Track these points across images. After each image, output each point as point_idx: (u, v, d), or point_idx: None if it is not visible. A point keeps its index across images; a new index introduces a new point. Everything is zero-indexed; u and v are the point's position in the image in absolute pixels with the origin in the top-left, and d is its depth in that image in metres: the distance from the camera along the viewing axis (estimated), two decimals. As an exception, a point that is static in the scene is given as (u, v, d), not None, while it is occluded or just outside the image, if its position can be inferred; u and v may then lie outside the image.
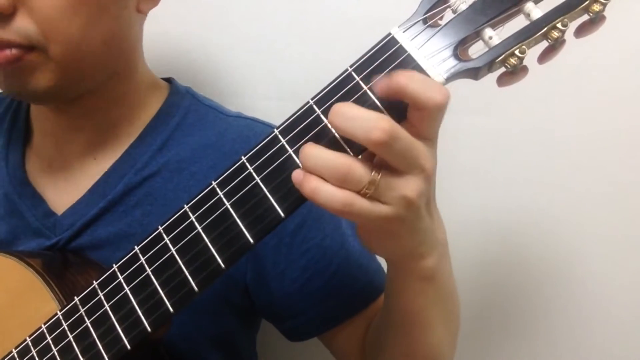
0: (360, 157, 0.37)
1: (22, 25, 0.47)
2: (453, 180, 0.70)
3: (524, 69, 0.38)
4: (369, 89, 0.37)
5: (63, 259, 0.56)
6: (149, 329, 0.42)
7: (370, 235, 0.41)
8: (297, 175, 0.37)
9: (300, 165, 0.38)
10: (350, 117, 0.35)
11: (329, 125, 0.38)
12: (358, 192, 0.36)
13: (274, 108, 0.78)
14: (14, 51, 0.47)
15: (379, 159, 0.36)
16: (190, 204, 0.42)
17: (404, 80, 0.34)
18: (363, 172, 0.35)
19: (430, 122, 0.36)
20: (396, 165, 0.35)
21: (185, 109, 0.61)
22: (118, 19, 0.52)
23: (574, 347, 0.73)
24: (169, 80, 0.65)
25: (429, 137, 0.37)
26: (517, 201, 0.72)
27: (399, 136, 0.34)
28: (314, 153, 0.36)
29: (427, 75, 0.37)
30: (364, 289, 0.58)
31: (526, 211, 0.72)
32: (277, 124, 0.61)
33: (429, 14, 0.38)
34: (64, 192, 0.59)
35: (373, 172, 0.35)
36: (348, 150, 0.37)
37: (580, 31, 0.38)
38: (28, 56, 0.48)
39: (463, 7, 0.37)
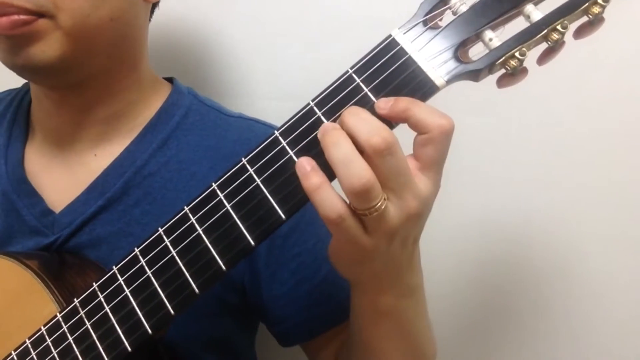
0: None
1: None
2: (453, 180, 0.70)
3: (524, 71, 0.38)
4: (369, 90, 0.37)
5: (61, 260, 0.56)
6: (149, 331, 0.42)
7: (339, 251, 0.41)
8: (303, 164, 0.37)
9: None
10: (362, 118, 0.36)
11: (330, 123, 0.38)
12: (357, 212, 0.36)
13: (274, 108, 0.78)
14: (22, 16, 0.47)
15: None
16: (190, 205, 0.42)
17: (412, 106, 0.36)
18: (379, 193, 0.35)
19: (441, 147, 0.36)
20: (382, 181, 0.35)
21: (186, 108, 0.61)
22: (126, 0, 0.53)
23: (574, 346, 0.73)
24: (170, 80, 0.65)
25: (430, 167, 0.37)
26: (517, 201, 0.72)
27: (396, 153, 0.35)
28: (346, 147, 0.35)
29: (428, 77, 0.37)
30: (349, 299, 0.58)
31: (526, 211, 0.72)
32: (278, 124, 0.62)
33: (429, 15, 0.38)
34: (63, 189, 0.59)
35: (383, 199, 0.35)
36: None
37: (580, 33, 0.38)
38: (36, 22, 0.48)
39: (463, 8, 0.37)
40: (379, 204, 0.35)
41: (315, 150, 0.38)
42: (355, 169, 0.34)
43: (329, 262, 0.56)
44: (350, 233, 0.36)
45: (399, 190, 0.36)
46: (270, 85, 0.79)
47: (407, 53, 0.37)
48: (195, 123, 0.61)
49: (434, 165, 0.37)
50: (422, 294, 0.46)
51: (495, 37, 0.37)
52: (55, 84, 0.56)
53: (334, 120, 0.38)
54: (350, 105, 0.38)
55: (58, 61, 0.50)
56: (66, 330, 0.45)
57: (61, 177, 0.60)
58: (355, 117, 0.36)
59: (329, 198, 0.35)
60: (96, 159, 0.59)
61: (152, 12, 0.62)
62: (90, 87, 0.56)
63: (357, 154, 0.35)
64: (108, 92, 0.58)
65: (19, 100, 0.66)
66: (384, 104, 0.37)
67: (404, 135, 0.37)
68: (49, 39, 0.49)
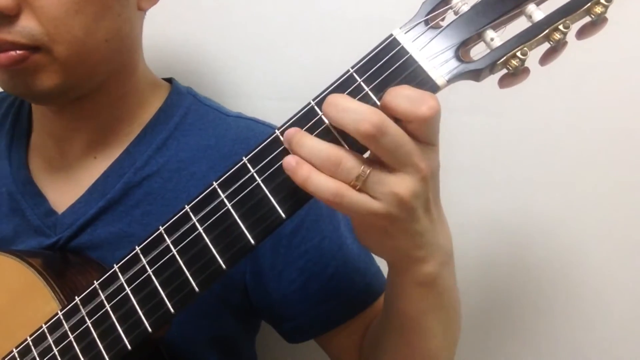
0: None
1: (27, 26, 0.47)
2: (452, 180, 0.70)
3: (526, 71, 0.38)
4: (370, 90, 0.37)
5: (63, 258, 0.56)
6: (149, 330, 0.42)
7: (365, 232, 0.42)
8: (289, 161, 0.37)
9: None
10: (342, 108, 0.36)
11: (331, 127, 0.38)
12: (348, 184, 0.36)
13: (274, 108, 0.78)
14: (19, 52, 0.47)
15: (372, 154, 0.37)
16: (191, 204, 0.42)
17: (389, 98, 0.35)
18: (354, 164, 0.36)
19: (425, 131, 0.36)
20: (386, 160, 0.36)
21: (186, 108, 0.61)
22: (120, 17, 0.52)
23: (575, 346, 0.73)
24: (169, 80, 0.65)
25: (426, 142, 0.37)
26: (517, 201, 0.72)
27: (389, 131, 0.35)
28: (307, 142, 0.37)
29: (429, 76, 0.37)
30: (361, 292, 0.58)
31: (526, 211, 0.72)
32: (277, 124, 0.62)
33: (430, 15, 0.38)
34: (64, 191, 0.59)
35: (363, 166, 0.36)
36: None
37: (582, 33, 0.38)
38: (33, 57, 0.48)
39: (465, 8, 0.37)
40: (361, 170, 0.36)
41: None
42: (323, 153, 0.36)
43: (337, 257, 0.57)
44: (355, 204, 0.36)
45: (405, 160, 0.36)
46: (270, 85, 0.79)
47: (408, 52, 0.37)
48: (194, 123, 0.61)
49: (430, 138, 0.37)
50: (453, 260, 0.46)
51: (497, 37, 0.37)
52: (56, 103, 0.56)
53: None
54: (330, 94, 0.37)
55: (56, 89, 0.51)
56: (67, 328, 0.46)
57: (63, 179, 0.60)
58: (334, 107, 0.36)
59: (320, 182, 0.36)
60: (96, 162, 0.59)
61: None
62: (89, 100, 0.56)
63: (318, 141, 0.37)
64: (106, 102, 0.58)
65: (21, 100, 0.66)
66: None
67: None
68: (47, 71, 0.49)
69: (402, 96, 0.35)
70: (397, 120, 0.36)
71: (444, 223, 0.43)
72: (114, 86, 0.57)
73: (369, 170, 0.36)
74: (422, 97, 0.35)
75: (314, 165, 0.37)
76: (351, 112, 0.35)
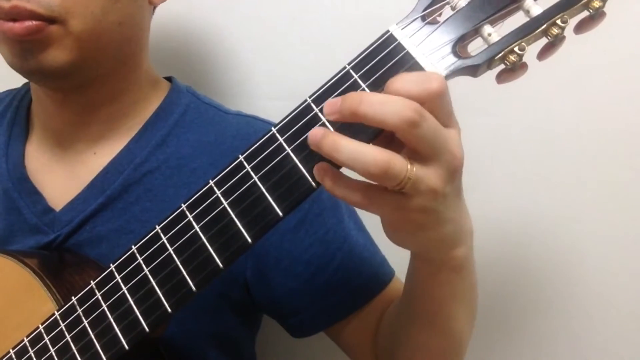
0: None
1: None
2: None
3: (524, 66, 0.37)
4: (367, 86, 0.37)
5: (60, 258, 0.56)
6: (147, 329, 0.42)
7: (397, 229, 0.39)
8: (319, 167, 0.36)
9: (297, 163, 0.38)
10: (377, 102, 0.33)
11: (327, 123, 0.37)
12: (393, 187, 0.34)
13: (274, 108, 0.78)
14: (35, 22, 0.48)
15: (407, 151, 0.35)
16: (187, 203, 0.41)
17: (398, 86, 0.34)
18: (402, 164, 0.33)
19: (441, 109, 0.35)
20: (424, 150, 0.34)
21: (185, 106, 0.62)
22: (135, 2, 0.53)
23: (575, 346, 0.73)
24: (169, 79, 0.66)
25: (446, 122, 0.36)
26: (518, 200, 0.72)
27: (427, 117, 0.33)
28: (347, 145, 0.34)
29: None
30: (368, 282, 0.58)
31: (526, 210, 0.72)
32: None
33: (427, 10, 0.37)
34: (63, 188, 0.59)
35: (409, 165, 0.34)
36: None
37: (580, 28, 0.37)
38: (48, 29, 0.48)
39: (462, 3, 0.37)
40: (408, 171, 0.34)
41: None
42: (368, 157, 0.33)
43: (342, 249, 0.57)
44: (390, 205, 0.35)
45: (444, 146, 0.35)
46: (270, 85, 0.79)
47: (405, 48, 0.37)
48: (194, 120, 0.61)
49: (449, 115, 0.36)
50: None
51: (494, 32, 0.36)
52: (61, 86, 0.56)
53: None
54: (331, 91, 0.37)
55: (67, 66, 0.51)
56: (64, 328, 0.45)
57: (61, 176, 0.60)
58: (370, 104, 0.33)
59: (349, 187, 0.35)
60: (96, 158, 0.59)
61: (153, 11, 0.62)
62: (94, 88, 0.57)
63: (360, 144, 0.34)
64: (110, 93, 0.58)
65: (19, 99, 0.66)
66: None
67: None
68: (60, 45, 0.50)
69: (407, 81, 0.34)
70: None
71: (465, 205, 0.42)
72: (118, 78, 0.57)
73: (414, 169, 0.34)
74: (427, 76, 0.34)
75: (357, 171, 0.34)
76: (389, 104, 0.33)
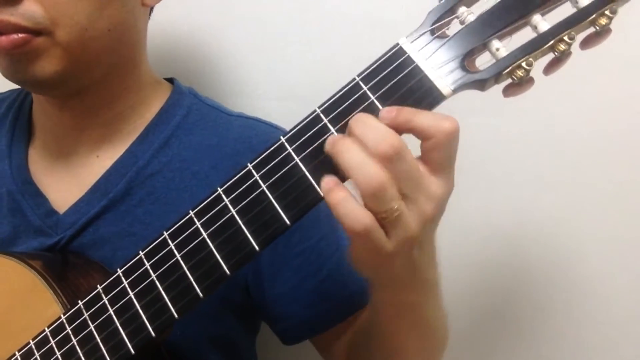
0: None
1: (30, 9, 0.47)
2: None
3: (530, 81, 0.38)
4: (376, 98, 0.38)
5: (64, 260, 0.56)
6: (153, 334, 0.42)
7: (364, 263, 0.41)
8: (328, 182, 0.36)
9: (305, 172, 0.38)
10: (368, 125, 0.36)
11: (336, 134, 0.38)
12: (377, 215, 0.35)
13: (275, 108, 0.78)
14: (21, 35, 0.48)
15: None
16: (196, 209, 0.42)
17: (411, 116, 0.36)
18: (395, 194, 0.35)
19: (443, 150, 0.36)
20: (398, 188, 0.35)
21: (187, 108, 0.61)
22: (124, 8, 0.53)
23: (576, 346, 0.73)
24: (171, 80, 0.65)
25: (440, 169, 0.37)
26: (518, 201, 0.72)
27: (406, 159, 0.35)
28: (357, 152, 0.35)
29: (435, 86, 0.37)
30: (353, 295, 0.58)
31: (527, 211, 0.72)
32: (278, 124, 0.62)
33: (436, 25, 0.38)
34: (66, 190, 0.59)
35: (399, 199, 0.35)
36: None
37: (586, 43, 0.38)
38: (35, 41, 0.48)
39: (471, 18, 0.37)
40: (398, 204, 0.35)
41: (321, 157, 0.38)
42: (370, 170, 0.35)
43: (332, 259, 0.57)
44: (376, 243, 0.36)
45: (413, 195, 0.36)
46: (270, 85, 0.79)
47: (414, 62, 0.37)
48: (196, 122, 0.61)
49: (444, 167, 0.37)
50: (439, 287, 0.46)
51: (502, 47, 0.37)
52: (57, 94, 0.56)
53: (341, 128, 0.38)
54: (357, 113, 0.38)
55: (57, 75, 0.51)
56: (70, 332, 0.46)
57: (64, 178, 0.60)
58: (362, 124, 0.36)
59: (355, 210, 0.35)
60: (98, 160, 0.59)
61: (151, 11, 0.62)
62: (91, 93, 0.56)
63: (368, 156, 0.35)
64: (109, 97, 0.58)
65: (21, 100, 0.66)
66: (387, 114, 0.37)
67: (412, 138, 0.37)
68: (48, 56, 0.49)
69: (425, 113, 0.36)
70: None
71: (434, 256, 0.43)
72: (115, 81, 0.57)
73: (402, 207, 0.35)
74: (443, 116, 0.36)
75: (355, 179, 0.35)
76: (376, 130, 0.35)
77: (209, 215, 0.41)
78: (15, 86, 0.69)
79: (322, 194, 0.38)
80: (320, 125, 0.39)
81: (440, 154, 0.36)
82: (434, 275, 0.44)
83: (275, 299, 0.58)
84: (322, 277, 0.57)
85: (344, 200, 0.35)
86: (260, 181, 0.40)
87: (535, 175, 0.71)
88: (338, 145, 0.36)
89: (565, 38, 0.36)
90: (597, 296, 0.71)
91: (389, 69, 0.38)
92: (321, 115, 0.39)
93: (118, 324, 0.43)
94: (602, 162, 0.68)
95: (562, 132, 0.69)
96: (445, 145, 0.36)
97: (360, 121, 0.36)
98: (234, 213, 0.40)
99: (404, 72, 0.37)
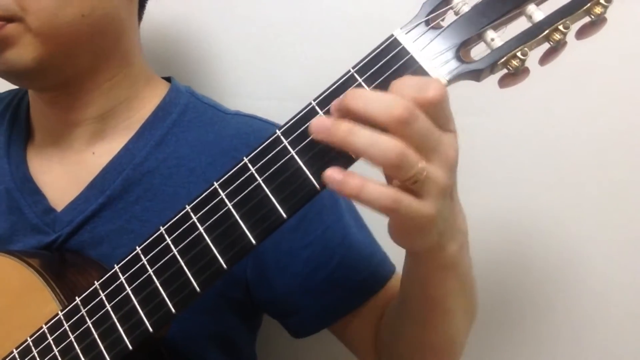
0: None
1: None
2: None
3: (526, 71, 0.38)
4: (372, 90, 0.37)
5: (62, 258, 0.56)
6: (150, 330, 0.42)
7: (406, 232, 0.39)
8: (333, 175, 0.34)
9: (301, 165, 0.38)
10: (370, 98, 0.34)
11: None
12: (404, 183, 0.34)
13: (274, 108, 0.78)
14: None
15: None
16: (192, 204, 0.42)
17: (395, 89, 0.35)
18: (415, 156, 0.33)
19: (437, 115, 0.35)
20: (419, 148, 0.34)
21: (184, 106, 0.62)
22: None
23: (575, 346, 0.73)
24: (168, 79, 0.66)
25: (443, 127, 0.36)
26: (518, 201, 0.72)
27: (420, 117, 0.34)
28: (365, 132, 0.33)
29: (430, 76, 0.37)
30: (367, 279, 0.58)
31: (526, 211, 0.72)
32: (277, 123, 0.62)
33: (431, 15, 0.38)
34: (63, 188, 0.59)
35: (420, 160, 0.34)
36: None
37: (582, 33, 0.38)
38: (7, 27, 0.49)
39: (465, 8, 0.37)
40: (421, 165, 0.34)
41: (316, 149, 0.38)
42: (384, 144, 0.33)
43: (341, 247, 0.57)
44: (412, 209, 0.35)
45: (436, 148, 0.35)
46: (270, 85, 0.79)
47: (408, 53, 0.37)
48: (193, 120, 0.61)
49: (443, 121, 0.36)
50: (468, 237, 0.45)
51: (497, 37, 0.37)
52: (42, 85, 0.56)
53: None
54: (336, 94, 0.36)
55: (36, 64, 0.51)
56: (67, 328, 0.46)
57: (61, 176, 0.60)
58: (363, 99, 0.34)
59: (376, 190, 0.34)
60: (95, 157, 0.59)
61: (143, 7, 0.62)
62: (78, 85, 0.56)
63: (376, 131, 0.34)
64: (97, 90, 0.58)
65: (19, 100, 0.66)
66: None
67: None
68: (22, 43, 0.50)
69: (406, 85, 0.34)
70: None
71: (459, 204, 0.43)
72: (104, 73, 0.57)
73: (425, 164, 0.34)
74: (427, 82, 0.34)
75: (372, 158, 0.33)
76: (380, 100, 0.34)
77: (205, 209, 0.41)
78: (13, 87, 0.69)
79: (318, 187, 0.38)
80: (315, 117, 0.39)
81: (436, 119, 0.35)
82: (464, 224, 0.43)
83: (287, 293, 0.58)
84: (332, 267, 0.57)
85: (361, 187, 0.34)
86: (256, 175, 0.40)
87: (535, 175, 0.71)
88: (336, 131, 0.34)
89: (560, 27, 0.36)
90: (597, 296, 0.71)
91: (383, 61, 0.38)
92: (316, 107, 0.39)
93: (115, 320, 0.43)
94: (601, 162, 0.68)
95: (561, 131, 0.69)
96: (437, 111, 0.35)
97: (359, 97, 0.34)
98: (230, 207, 0.40)
99: (399, 64, 0.37)
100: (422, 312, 0.49)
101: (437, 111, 0.35)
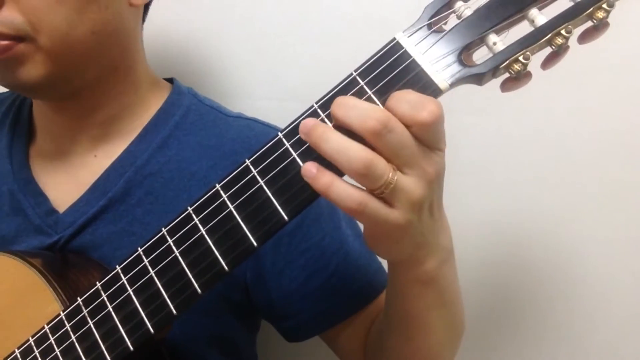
0: None
1: (9, 16, 0.47)
2: (453, 181, 0.69)
3: (528, 75, 0.38)
4: (373, 93, 0.38)
5: (64, 259, 0.56)
6: (152, 331, 0.42)
7: (377, 239, 0.41)
8: (309, 168, 0.36)
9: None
10: (349, 106, 0.36)
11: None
12: (373, 191, 0.35)
13: (274, 108, 0.78)
14: (3, 42, 0.48)
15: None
16: (194, 206, 0.42)
17: (391, 103, 0.35)
18: (384, 168, 0.35)
19: (427, 135, 0.36)
20: (394, 160, 0.36)
21: (186, 108, 0.62)
22: (107, 10, 0.52)
23: (575, 346, 0.73)
24: (171, 80, 0.66)
25: (431, 146, 0.37)
26: (518, 201, 0.72)
27: (395, 130, 0.35)
28: (334, 137, 0.35)
29: (432, 80, 0.37)
30: (362, 288, 0.58)
31: (526, 211, 0.72)
32: (277, 124, 0.62)
33: (433, 19, 0.38)
34: (65, 190, 0.59)
35: (391, 171, 0.35)
36: None
37: (584, 37, 0.38)
38: (18, 46, 0.48)
39: (467, 12, 0.37)
40: (390, 176, 0.35)
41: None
42: (352, 152, 0.35)
43: (338, 255, 0.57)
44: (378, 215, 0.36)
45: (411, 161, 0.36)
46: (270, 86, 0.79)
47: (411, 56, 0.37)
48: (194, 122, 0.61)
49: (434, 143, 0.37)
50: (454, 256, 0.46)
51: (499, 41, 0.37)
52: (50, 97, 0.56)
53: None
54: (337, 97, 0.37)
55: (44, 80, 0.51)
56: (69, 328, 0.46)
57: (64, 178, 0.60)
58: (344, 107, 0.36)
59: (344, 191, 0.35)
60: (97, 160, 0.59)
61: (146, 12, 0.62)
62: (85, 95, 0.57)
63: (348, 140, 0.35)
64: (104, 98, 0.58)
65: (21, 101, 0.66)
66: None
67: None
68: (32, 61, 0.50)
69: (403, 100, 0.35)
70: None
71: (444, 222, 0.43)
72: (110, 83, 0.57)
73: (396, 177, 0.35)
74: (423, 102, 0.35)
75: (339, 165, 0.35)
76: (357, 109, 0.35)
77: (207, 211, 0.41)
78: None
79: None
80: (318, 120, 0.39)
81: (427, 136, 0.36)
82: (447, 240, 0.44)
83: (283, 297, 0.58)
84: (328, 274, 0.57)
85: (332, 184, 0.35)
86: (258, 177, 0.40)
87: (535, 175, 0.71)
88: (313, 134, 0.36)
89: (563, 32, 0.36)
90: (597, 296, 0.71)
91: (385, 64, 0.38)
92: (318, 110, 0.39)
93: (117, 321, 0.44)
94: (602, 162, 0.68)
95: (562, 132, 0.69)
96: (427, 132, 0.36)
97: (341, 104, 0.36)
98: (232, 209, 0.40)
99: (401, 67, 0.37)
100: (401, 325, 0.49)
101: (427, 132, 0.36)
